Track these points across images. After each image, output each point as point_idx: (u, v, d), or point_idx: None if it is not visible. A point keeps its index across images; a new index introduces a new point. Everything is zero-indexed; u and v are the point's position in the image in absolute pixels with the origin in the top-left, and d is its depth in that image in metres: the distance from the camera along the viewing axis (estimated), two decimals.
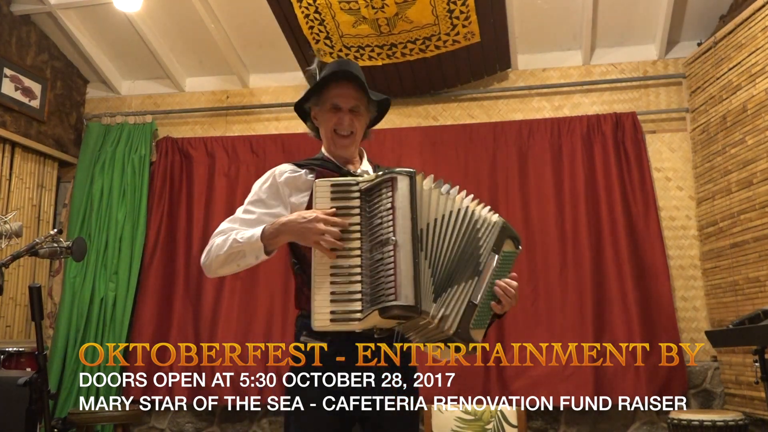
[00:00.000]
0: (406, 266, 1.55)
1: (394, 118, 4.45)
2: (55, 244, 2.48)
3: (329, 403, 1.71)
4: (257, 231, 1.73)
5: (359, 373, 1.74)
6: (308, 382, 1.74)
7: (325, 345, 1.72)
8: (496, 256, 1.72)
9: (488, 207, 1.80)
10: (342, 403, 1.72)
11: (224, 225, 1.84)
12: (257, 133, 4.61)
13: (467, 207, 1.73)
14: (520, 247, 1.79)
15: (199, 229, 4.42)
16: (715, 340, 2.83)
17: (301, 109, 2.00)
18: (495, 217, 1.77)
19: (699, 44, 4.04)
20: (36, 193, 4.49)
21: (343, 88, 1.89)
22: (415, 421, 1.88)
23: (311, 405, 1.72)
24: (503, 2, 3.86)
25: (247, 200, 1.88)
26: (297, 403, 1.74)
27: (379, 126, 4.50)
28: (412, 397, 1.84)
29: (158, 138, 4.68)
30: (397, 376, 1.80)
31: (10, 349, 3.55)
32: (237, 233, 1.76)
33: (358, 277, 1.59)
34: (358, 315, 1.56)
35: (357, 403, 1.74)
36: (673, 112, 4.19)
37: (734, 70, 3.58)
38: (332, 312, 1.57)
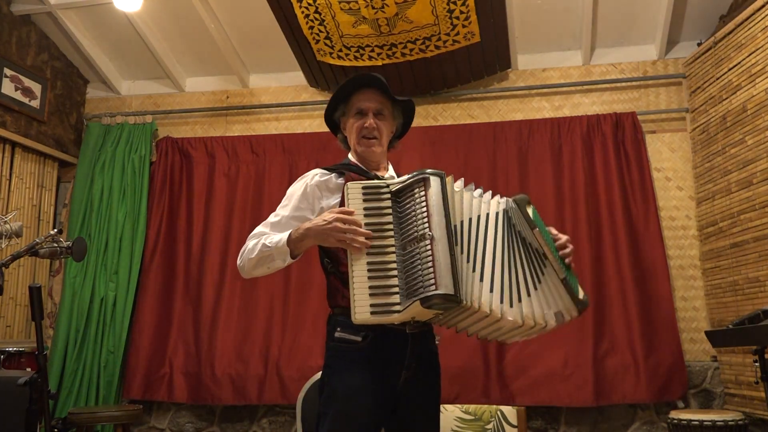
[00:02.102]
0: (444, 258, 1.62)
1: None
2: (55, 244, 2.48)
3: (365, 399, 1.76)
4: (284, 236, 1.80)
5: (393, 366, 1.80)
6: (344, 379, 1.78)
7: (359, 338, 1.77)
8: (536, 229, 1.77)
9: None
10: (379, 391, 1.78)
11: (258, 229, 1.91)
12: (257, 133, 4.62)
13: (504, 211, 1.81)
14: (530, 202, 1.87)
15: (199, 229, 4.42)
16: (715, 340, 2.82)
17: (332, 122, 2.09)
18: (512, 203, 1.82)
19: (699, 44, 4.04)
20: (36, 193, 4.49)
21: (367, 93, 1.99)
22: (437, 417, 1.95)
23: (347, 401, 1.77)
24: (503, 2, 3.86)
25: (280, 205, 1.96)
26: (333, 399, 1.79)
27: None
28: (437, 395, 1.94)
29: (158, 138, 4.68)
30: (428, 373, 1.88)
31: (10, 349, 3.55)
32: (266, 238, 1.85)
33: (395, 273, 1.67)
34: (397, 307, 1.64)
35: (392, 395, 1.80)
36: (673, 112, 4.19)
37: (734, 70, 3.58)
38: (372, 305, 1.63)
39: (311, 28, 3.94)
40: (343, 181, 1.88)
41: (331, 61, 4.15)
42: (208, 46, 4.46)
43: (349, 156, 2.04)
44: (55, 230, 2.53)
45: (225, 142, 4.56)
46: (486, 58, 4.18)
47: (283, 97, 4.67)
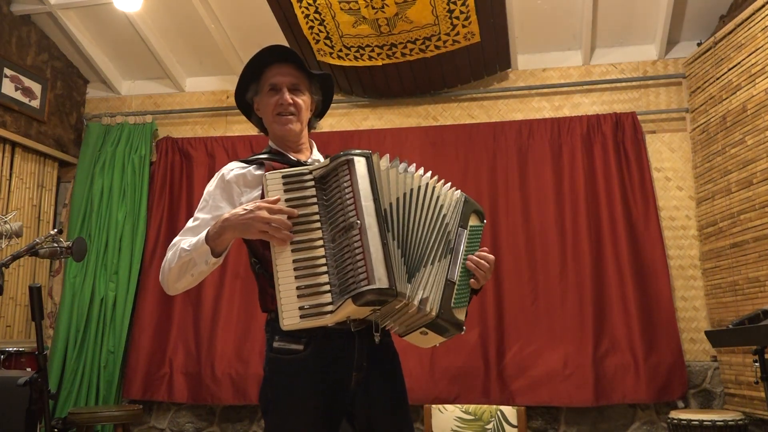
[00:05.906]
0: (375, 248, 1.47)
1: (394, 118, 4.45)
2: (55, 244, 2.48)
3: (313, 406, 1.63)
4: (202, 234, 1.63)
5: (342, 370, 1.66)
6: (289, 399, 1.64)
7: (301, 347, 1.63)
8: (465, 232, 1.66)
9: (449, 183, 1.75)
10: (327, 402, 1.64)
11: (176, 239, 1.74)
12: (257, 133, 4.56)
13: (427, 184, 1.68)
14: (485, 221, 1.77)
15: None
16: (715, 340, 2.83)
17: (244, 105, 1.93)
18: (457, 193, 1.73)
19: (699, 44, 4.05)
20: (36, 193, 4.49)
21: (280, 67, 1.84)
22: (406, 408, 1.79)
23: (294, 410, 1.64)
24: (503, 2, 3.86)
25: (197, 208, 1.81)
26: (282, 422, 1.65)
27: (378, 126, 4.53)
28: (399, 385, 1.78)
29: (158, 138, 4.68)
30: (380, 368, 1.73)
31: (10, 349, 3.55)
32: (184, 242, 1.67)
33: (324, 269, 1.50)
34: (329, 307, 1.47)
35: (343, 401, 1.67)
36: (673, 112, 4.19)
37: (734, 70, 3.58)
38: (301, 308, 1.47)
39: (311, 28, 3.94)
40: (263, 172, 1.70)
41: (331, 61, 4.15)
42: (208, 46, 4.46)
43: (270, 143, 1.88)
44: (55, 230, 2.53)
45: (225, 142, 4.56)
46: (486, 58, 4.18)
47: None
